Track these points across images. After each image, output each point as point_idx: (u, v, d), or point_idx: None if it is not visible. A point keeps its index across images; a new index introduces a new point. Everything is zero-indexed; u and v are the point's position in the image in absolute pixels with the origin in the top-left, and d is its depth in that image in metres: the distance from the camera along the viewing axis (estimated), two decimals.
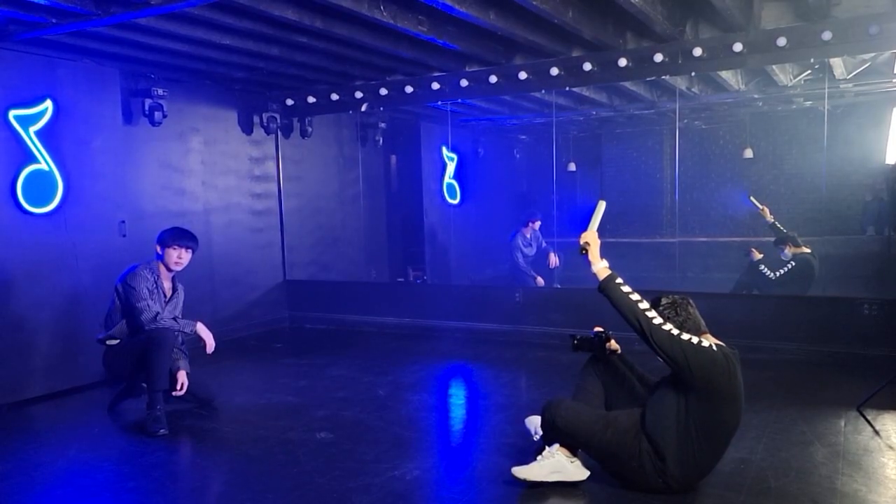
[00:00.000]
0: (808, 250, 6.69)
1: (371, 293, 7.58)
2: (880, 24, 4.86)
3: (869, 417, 3.89)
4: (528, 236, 7.78)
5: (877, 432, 3.68)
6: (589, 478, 3.08)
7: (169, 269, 4.40)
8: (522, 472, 3.07)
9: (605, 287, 2.97)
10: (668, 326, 2.84)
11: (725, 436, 2.93)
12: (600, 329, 3.28)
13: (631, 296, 2.90)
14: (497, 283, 8.96)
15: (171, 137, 6.38)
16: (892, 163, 7.31)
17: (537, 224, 7.81)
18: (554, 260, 7.68)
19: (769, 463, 3.28)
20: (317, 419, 4.24)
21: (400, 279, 9.07)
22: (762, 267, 6.69)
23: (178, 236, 4.38)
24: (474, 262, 9.83)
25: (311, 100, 7.11)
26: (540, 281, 7.52)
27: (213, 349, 4.37)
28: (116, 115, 5.53)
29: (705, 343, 2.85)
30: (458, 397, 5.06)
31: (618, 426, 2.96)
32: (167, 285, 4.43)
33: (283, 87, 7.08)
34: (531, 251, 7.78)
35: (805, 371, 5.01)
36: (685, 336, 2.82)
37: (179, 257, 4.37)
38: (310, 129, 7.53)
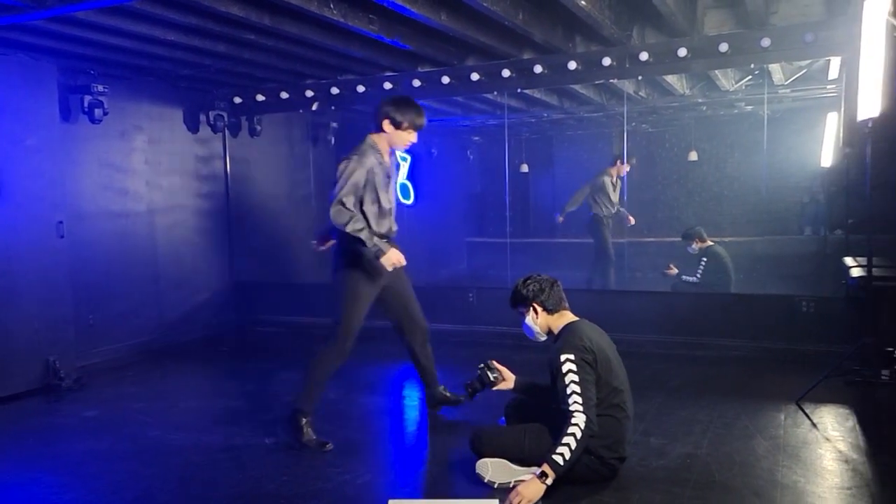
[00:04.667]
0: (712, 243, 6.90)
1: (323, 294, 7.42)
2: (815, 33, 5.04)
3: (807, 411, 4.02)
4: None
5: (814, 425, 3.82)
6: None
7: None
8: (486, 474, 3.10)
9: (560, 473, 2.88)
10: (575, 399, 2.90)
11: (622, 398, 3.07)
12: (481, 365, 3.41)
13: (568, 449, 2.86)
14: (451, 283, 8.98)
15: (113, 136, 6.18)
16: (828, 166, 7.60)
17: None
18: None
19: (714, 457, 3.36)
20: (265, 424, 4.15)
21: None
22: (683, 277, 6.88)
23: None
24: (428, 262, 9.82)
25: (259, 98, 6.98)
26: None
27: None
28: (53, 112, 5.31)
29: (573, 353, 2.96)
30: (411, 399, 5.03)
31: (532, 429, 3.11)
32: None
33: (230, 85, 6.93)
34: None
35: (748, 367, 5.15)
36: (574, 378, 2.92)
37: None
38: (259, 128, 7.39)
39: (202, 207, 7.19)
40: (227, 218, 7.44)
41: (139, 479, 3.51)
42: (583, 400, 2.90)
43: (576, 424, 2.86)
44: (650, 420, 3.89)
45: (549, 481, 2.85)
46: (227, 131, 7.27)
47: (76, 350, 5.34)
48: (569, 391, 2.91)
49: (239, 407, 4.57)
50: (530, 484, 2.86)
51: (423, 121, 3.76)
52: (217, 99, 7.00)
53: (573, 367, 2.94)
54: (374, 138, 3.75)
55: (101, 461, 3.67)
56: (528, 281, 3.25)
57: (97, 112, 5.74)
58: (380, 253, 3.57)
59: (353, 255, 3.72)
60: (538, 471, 2.88)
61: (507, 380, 3.39)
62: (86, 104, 5.70)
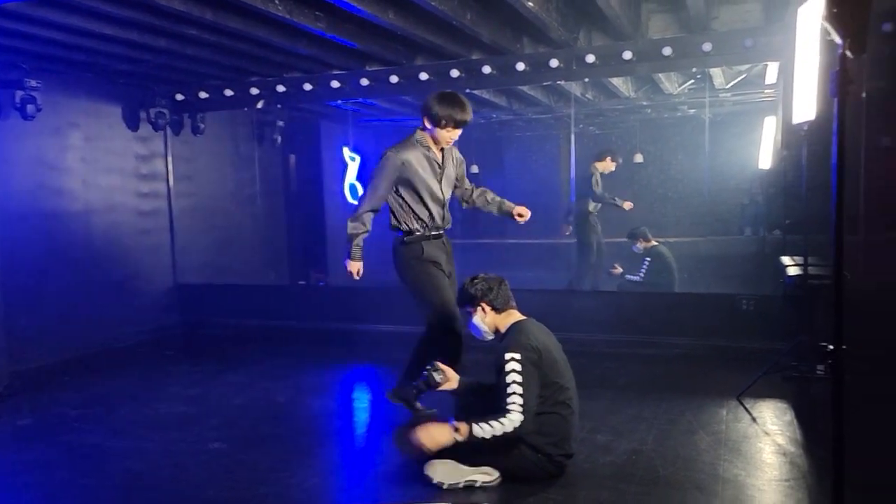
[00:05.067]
0: (656, 243, 7.08)
1: (270, 296, 7.35)
2: (754, 38, 5.21)
3: (747, 406, 4.14)
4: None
5: (754, 420, 3.93)
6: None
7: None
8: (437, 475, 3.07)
9: (471, 441, 2.93)
10: (515, 399, 2.91)
11: (568, 395, 3.08)
12: (427, 367, 3.35)
13: (492, 431, 2.90)
14: (400, 284, 8.90)
15: (47, 133, 5.94)
16: (766, 168, 7.86)
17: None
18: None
19: (658, 453, 3.42)
20: (209, 429, 4.04)
21: (301, 282, 8.86)
22: (627, 276, 7.03)
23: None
24: (380, 263, 9.73)
25: (203, 95, 6.81)
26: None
27: None
28: None
29: (519, 352, 2.96)
30: (361, 401, 4.99)
31: None
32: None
33: (172, 82, 6.74)
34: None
35: (691, 364, 5.27)
36: (516, 378, 2.92)
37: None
38: (202, 126, 7.21)
39: (143, 207, 6.97)
40: (169, 218, 7.23)
41: (77, 488, 3.36)
42: (523, 401, 2.91)
43: (511, 421, 2.89)
44: (598, 418, 3.93)
45: (459, 438, 2.90)
46: (168, 129, 7.07)
47: (8, 355, 5.10)
48: (509, 390, 2.92)
49: (182, 412, 4.43)
50: (442, 430, 2.93)
51: (465, 117, 3.67)
52: (158, 96, 6.79)
53: (517, 366, 2.95)
54: (421, 132, 3.78)
55: (35, 471, 3.50)
56: (476, 280, 3.24)
57: (30, 108, 5.51)
58: (349, 255, 3.83)
59: (400, 251, 3.83)
60: (453, 421, 2.93)
61: (451, 380, 3.36)
62: (17, 100, 5.47)
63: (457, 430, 2.92)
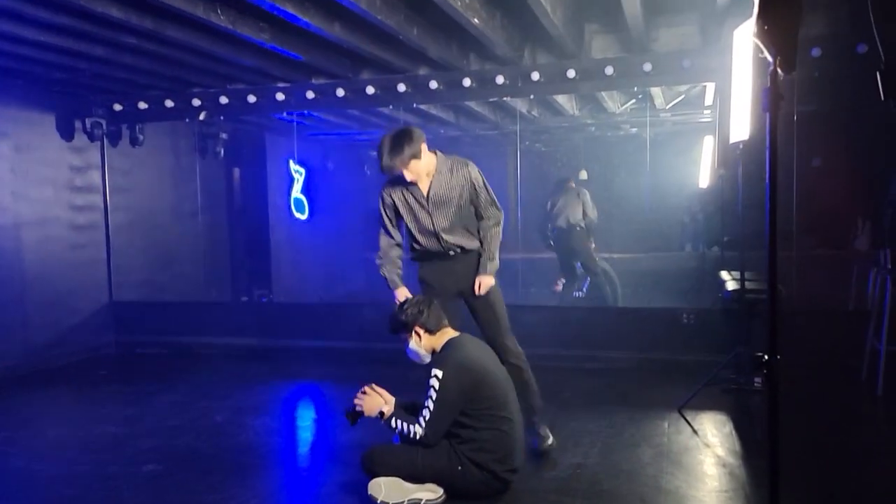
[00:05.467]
0: (599, 259, 7.26)
1: (211, 313, 7.14)
2: (692, 59, 5.39)
3: (688, 418, 4.22)
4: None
5: (695, 431, 4.00)
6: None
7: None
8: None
9: (388, 421, 3.11)
10: (426, 413, 3.00)
11: (509, 409, 3.08)
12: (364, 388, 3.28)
13: (402, 430, 3.06)
14: (348, 300, 8.82)
15: None
16: (705, 186, 8.10)
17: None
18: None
19: (602, 466, 3.45)
20: (144, 450, 3.88)
21: (244, 298, 8.66)
22: (575, 293, 7.15)
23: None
24: (325, 279, 9.61)
25: (142, 106, 6.61)
26: None
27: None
28: None
29: (444, 370, 3.00)
30: (304, 419, 4.88)
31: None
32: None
33: (109, 91, 6.53)
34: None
35: (634, 377, 5.35)
36: (433, 394, 2.98)
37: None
38: (141, 138, 6.99)
39: (77, 221, 6.70)
40: (105, 232, 6.97)
41: None
42: (429, 418, 2.97)
43: (415, 431, 2.98)
44: None
45: (381, 419, 3.09)
46: (105, 140, 6.83)
47: None
48: (425, 404, 2.99)
49: (115, 433, 4.24)
50: (376, 402, 3.11)
51: (385, 163, 3.45)
52: (95, 105, 6.56)
53: (436, 384, 2.98)
54: None
55: None
56: (406, 306, 3.20)
57: None
58: (389, 285, 3.76)
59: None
60: (386, 408, 3.09)
61: (388, 402, 3.28)
62: None
63: (382, 413, 3.08)
